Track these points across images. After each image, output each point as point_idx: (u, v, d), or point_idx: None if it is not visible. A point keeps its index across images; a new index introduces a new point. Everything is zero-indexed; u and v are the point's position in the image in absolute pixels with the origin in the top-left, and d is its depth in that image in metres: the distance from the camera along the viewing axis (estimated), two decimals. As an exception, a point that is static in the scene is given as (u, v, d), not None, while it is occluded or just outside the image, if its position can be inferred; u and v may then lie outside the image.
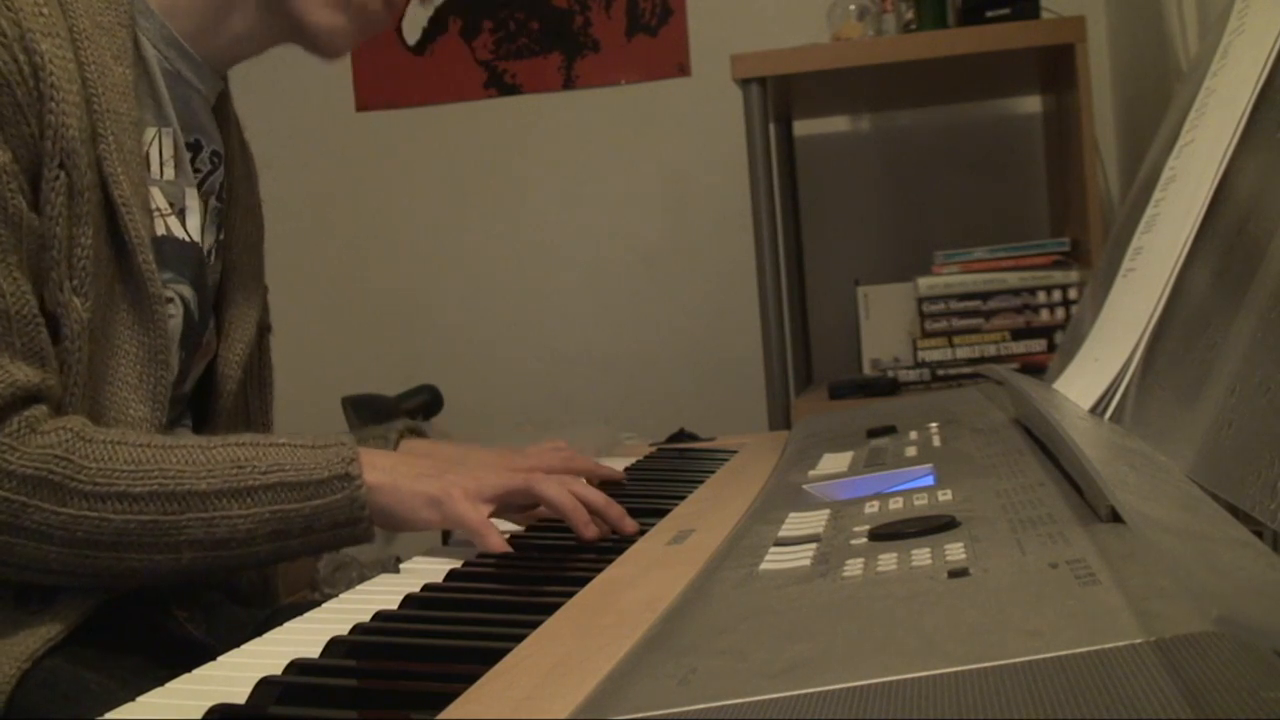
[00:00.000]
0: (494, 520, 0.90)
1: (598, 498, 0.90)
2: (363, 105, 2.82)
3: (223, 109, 1.09)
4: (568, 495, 0.89)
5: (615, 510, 0.90)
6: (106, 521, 0.82)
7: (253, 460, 0.86)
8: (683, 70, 2.68)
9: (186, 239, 1.00)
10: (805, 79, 2.08)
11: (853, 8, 2.18)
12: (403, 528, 0.90)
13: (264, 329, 1.16)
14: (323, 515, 0.87)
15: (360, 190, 2.83)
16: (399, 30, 2.79)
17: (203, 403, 1.08)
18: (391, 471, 0.89)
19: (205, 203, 1.04)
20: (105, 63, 0.91)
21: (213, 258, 1.06)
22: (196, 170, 1.03)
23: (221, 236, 1.08)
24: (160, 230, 0.96)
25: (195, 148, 1.03)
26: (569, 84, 2.74)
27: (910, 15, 2.13)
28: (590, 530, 0.87)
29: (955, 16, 2.09)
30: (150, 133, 0.96)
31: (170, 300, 0.96)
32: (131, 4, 0.96)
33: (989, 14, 2.03)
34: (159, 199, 0.97)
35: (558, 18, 2.72)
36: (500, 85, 2.76)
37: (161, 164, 0.98)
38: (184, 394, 1.04)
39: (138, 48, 0.96)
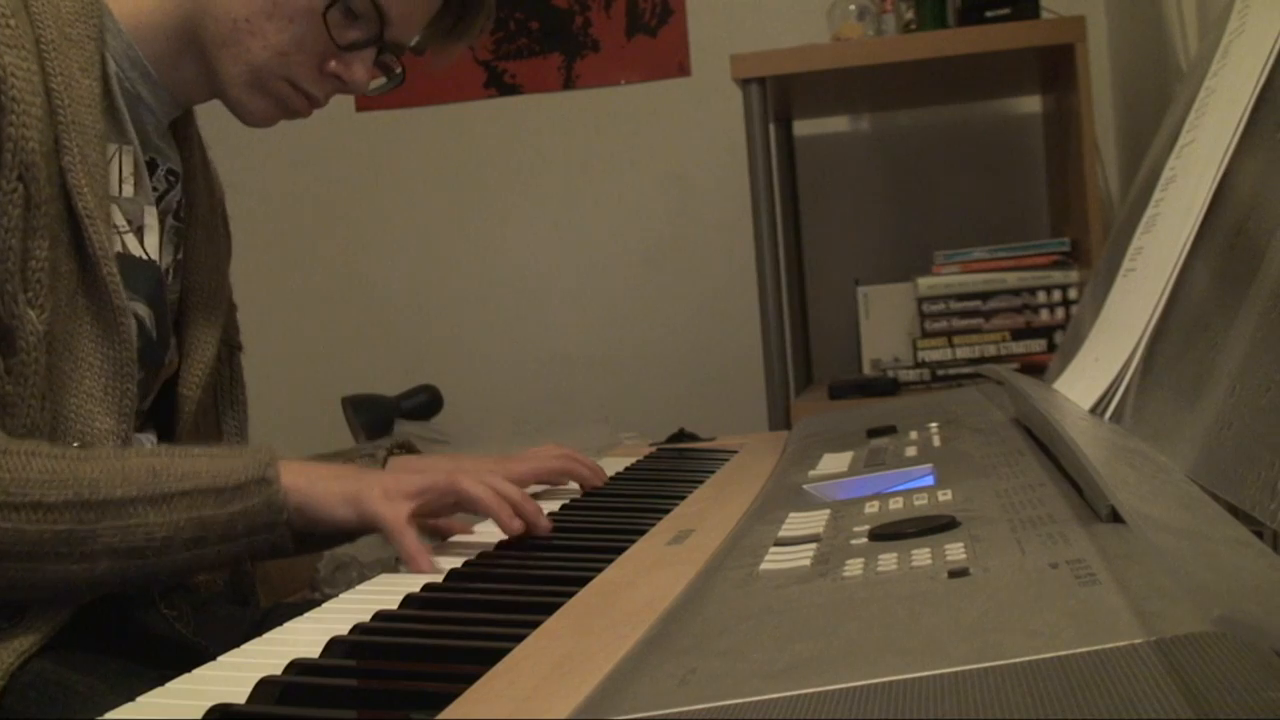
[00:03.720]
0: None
1: (515, 492, 0.90)
2: (363, 105, 2.82)
3: (184, 129, 1.09)
4: (490, 492, 0.89)
5: (531, 506, 0.90)
6: (21, 532, 0.80)
7: (168, 468, 0.85)
8: (683, 70, 2.68)
9: (144, 257, 0.99)
10: (805, 79, 2.08)
11: (853, 8, 2.18)
12: (321, 527, 0.89)
13: (234, 348, 1.15)
14: (240, 520, 0.86)
15: (360, 190, 2.84)
16: (399, 30, 2.79)
17: (167, 423, 1.08)
18: (308, 474, 0.89)
19: (162, 221, 1.03)
20: (72, 75, 0.91)
21: (170, 276, 1.05)
22: (153, 188, 1.02)
23: (179, 256, 1.07)
24: (117, 248, 0.95)
25: (150, 165, 1.02)
26: (569, 84, 2.74)
27: (910, 15, 2.13)
28: (515, 524, 0.88)
29: (955, 16, 2.09)
30: (111, 149, 0.96)
31: None
32: (102, 20, 0.96)
33: (989, 14, 2.03)
34: (118, 216, 0.96)
35: (558, 18, 2.72)
36: (500, 85, 2.76)
37: (121, 181, 0.97)
38: (144, 410, 1.04)
39: (104, 63, 0.96)
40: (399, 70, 1.10)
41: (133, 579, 0.86)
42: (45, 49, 0.89)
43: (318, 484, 0.89)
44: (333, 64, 1.02)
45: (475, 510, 0.91)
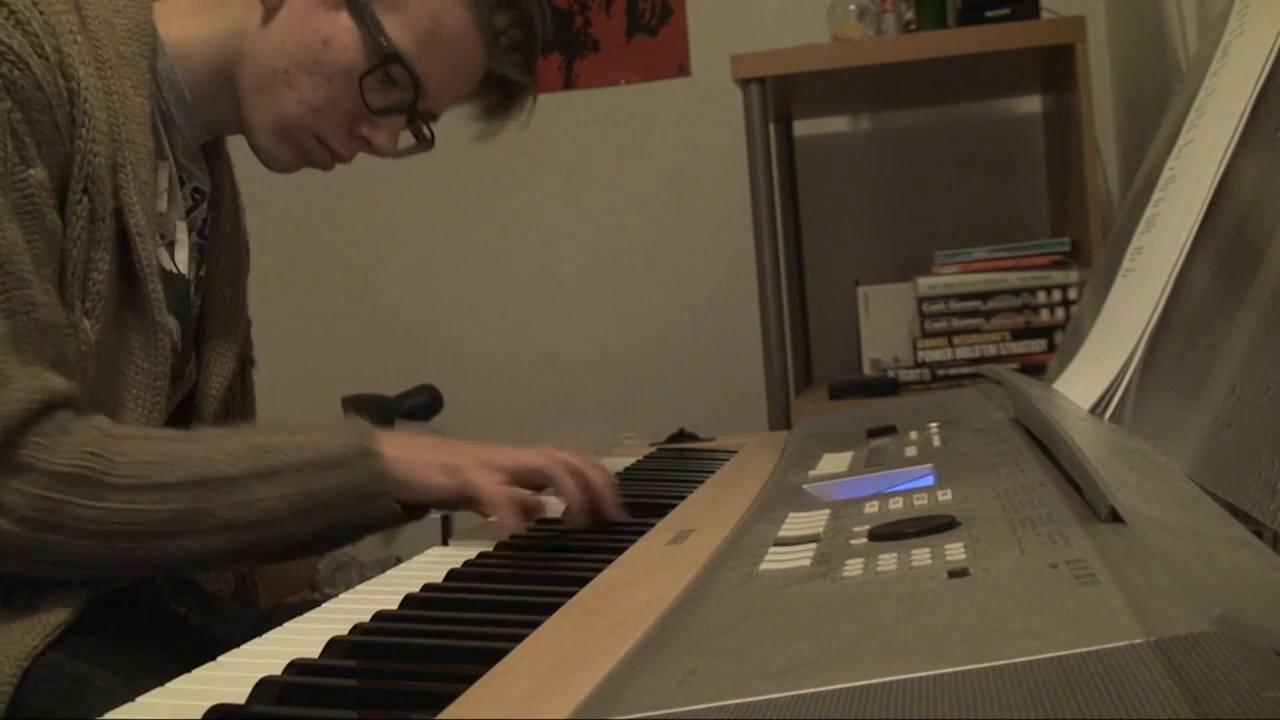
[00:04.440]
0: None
1: (598, 479, 0.93)
2: (363, 105, 2.82)
3: (216, 150, 1.10)
4: (579, 494, 0.91)
5: (611, 495, 0.93)
6: (142, 513, 0.83)
7: (275, 444, 0.88)
8: (683, 70, 2.68)
9: (174, 271, 1.01)
10: (805, 79, 2.08)
11: (853, 8, 2.18)
12: (418, 498, 0.92)
13: (247, 363, 1.17)
14: (346, 491, 0.89)
15: (360, 190, 2.84)
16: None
17: None
18: (407, 445, 0.92)
19: (188, 237, 1.04)
20: (126, 93, 0.93)
21: (192, 291, 1.06)
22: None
23: (202, 271, 1.08)
24: None
25: (179, 182, 1.03)
26: (569, 84, 2.74)
27: (910, 15, 2.13)
28: (585, 524, 0.90)
29: (955, 16, 2.09)
30: None
31: None
32: (154, 40, 0.97)
33: (989, 14, 2.03)
34: None
35: (558, 18, 2.72)
36: (500, 85, 2.76)
37: (156, 195, 0.98)
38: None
39: (153, 82, 0.97)
40: (429, 136, 1.10)
41: (250, 551, 0.89)
42: (104, 67, 0.91)
43: (417, 454, 0.91)
44: (363, 127, 1.04)
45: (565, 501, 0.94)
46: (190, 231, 1.05)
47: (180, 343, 1.02)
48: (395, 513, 0.91)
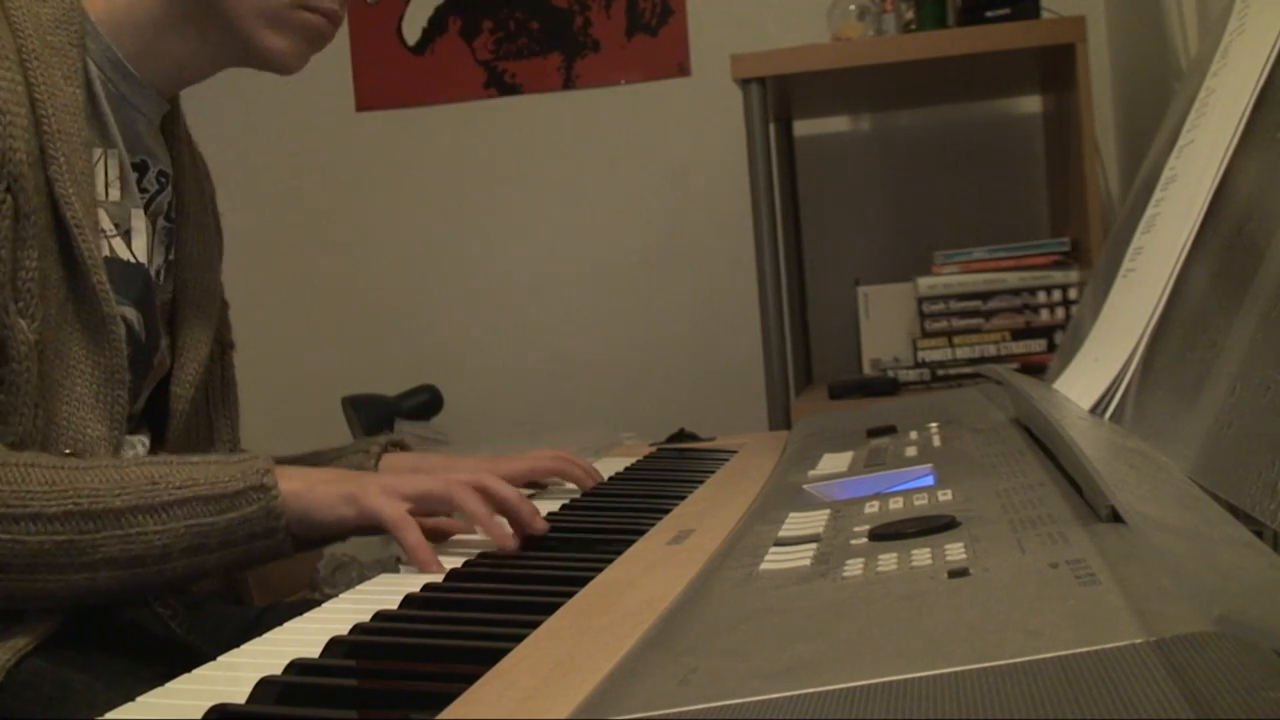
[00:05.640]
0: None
1: (510, 494, 0.90)
2: (363, 105, 2.82)
3: (171, 127, 1.09)
4: (484, 509, 0.89)
5: (527, 507, 0.90)
6: (20, 543, 0.80)
7: (167, 476, 0.85)
8: (683, 70, 2.68)
9: (131, 260, 0.99)
10: (805, 79, 2.08)
11: (853, 8, 2.18)
12: (321, 530, 0.89)
13: (226, 346, 1.15)
14: (239, 527, 0.86)
15: (360, 190, 2.84)
16: (399, 30, 2.79)
17: (159, 423, 1.08)
18: (307, 478, 0.89)
19: (153, 223, 1.03)
20: (55, 83, 0.91)
21: (161, 277, 1.05)
22: (143, 190, 1.02)
23: (171, 256, 1.07)
24: (104, 252, 0.96)
25: (141, 168, 1.02)
26: (569, 84, 2.74)
27: (910, 15, 2.13)
28: (508, 542, 0.88)
29: (955, 16, 2.09)
30: (96, 154, 0.96)
31: None
32: (83, 25, 0.96)
33: (989, 14, 2.04)
34: (104, 220, 0.97)
35: (558, 18, 2.72)
36: (500, 85, 2.76)
37: (107, 185, 0.97)
38: (136, 412, 1.04)
39: (86, 69, 0.95)
40: None
41: (132, 588, 0.86)
42: (27, 59, 0.90)
43: (317, 487, 0.89)
44: None
45: (472, 523, 0.92)
46: (156, 217, 1.04)
47: (145, 332, 1.00)
48: (289, 548, 0.88)
